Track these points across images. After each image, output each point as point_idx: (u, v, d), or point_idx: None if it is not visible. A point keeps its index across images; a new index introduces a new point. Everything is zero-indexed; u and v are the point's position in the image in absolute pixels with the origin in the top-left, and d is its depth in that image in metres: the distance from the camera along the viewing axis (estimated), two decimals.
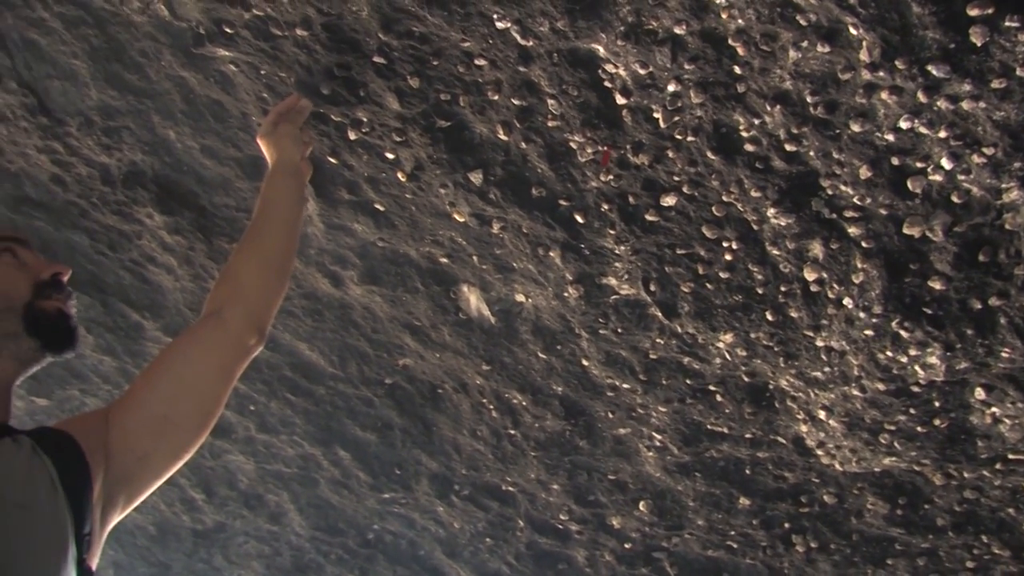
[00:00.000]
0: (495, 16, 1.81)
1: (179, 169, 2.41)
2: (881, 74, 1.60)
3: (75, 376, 3.23)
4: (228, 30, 2.03)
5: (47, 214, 2.62)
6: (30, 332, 1.56)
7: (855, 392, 2.23)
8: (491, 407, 2.83)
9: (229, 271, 1.90)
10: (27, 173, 2.52)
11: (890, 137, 1.69)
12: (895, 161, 1.73)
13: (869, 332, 2.05)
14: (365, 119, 2.12)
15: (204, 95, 2.21)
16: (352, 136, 2.16)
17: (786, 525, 2.80)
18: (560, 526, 3.21)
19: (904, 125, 1.66)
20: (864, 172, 1.76)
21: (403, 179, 2.23)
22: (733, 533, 2.91)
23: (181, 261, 2.67)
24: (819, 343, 2.16)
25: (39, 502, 1.39)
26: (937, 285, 1.88)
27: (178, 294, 2.79)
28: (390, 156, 2.19)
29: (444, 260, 2.42)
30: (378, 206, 2.33)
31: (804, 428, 2.43)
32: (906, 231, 1.82)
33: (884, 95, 1.63)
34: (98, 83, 2.25)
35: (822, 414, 2.35)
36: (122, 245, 2.67)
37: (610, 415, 2.67)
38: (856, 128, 1.70)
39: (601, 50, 1.81)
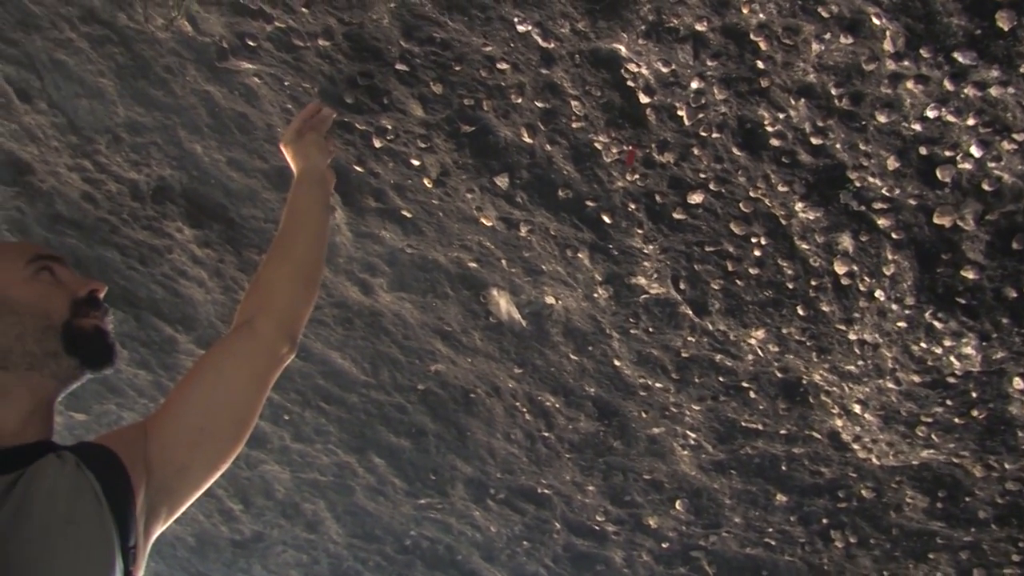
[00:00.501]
0: (516, 19, 1.81)
1: (207, 182, 2.44)
2: (906, 63, 1.59)
3: (111, 391, 3.26)
4: (251, 43, 2.05)
5: (79, 231, 2.65)
6: (69, 351, 1.58)
7: (890, 385, 2.21)
8: (524, 410, 2.83)
9: (259, 281, 1.91)
10: (59, 191, 2.55)
11: (917, 127, 1.68)
12: (923, 151, 1.71)
13: (902, 324, 2.04)
14: (390, 127, 2.13)
15: (229, 108, 2.23)
16: (377, 144, 2.17)
17: (824, 521, 2.78)
18: (596, 527, 3.21)
19: (931, 114, 1.64)
20: (892, 163, 1.75)
21: (429, 185, 2.23)
22: (771, 530, 2.90)
23: (211, 274, 2.69)
24: (852, 336, 2.14)
25: (86, 517, 1.41)
26: (970, 274, 1.86)
27: (209, 306, 2.81)
28: (416, 163, 2.19)
29: (473, 265, 2.43)
30: (405, 213, 2.34)
31: (839, 423, 2.41)
32: (936, 221, 1.81)
33: (910, 84, 1.62)
34: (125, 100, 2.28)
35: (857, 408, 2.33)
36: (153, 259, 2.70)
37: (643, 415, 2.67)
38: (882, 119, 1.69)
39: (623, 50, 1.81)
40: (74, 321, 1.60)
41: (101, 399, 3.32)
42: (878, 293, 2.00)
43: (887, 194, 1.82)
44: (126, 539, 1.46)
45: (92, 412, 3.40)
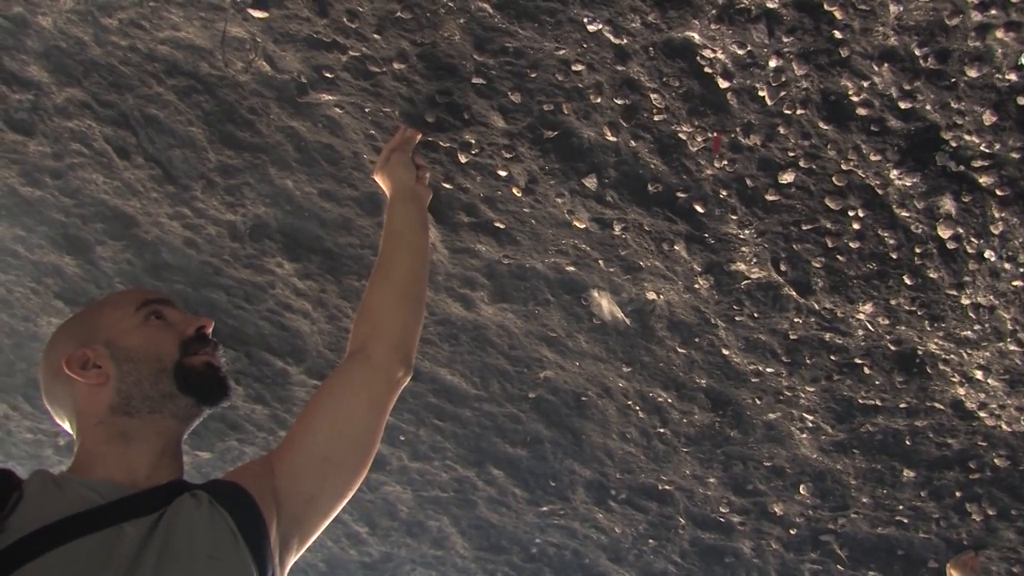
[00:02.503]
0: (585, 20, 1.82)
1: (301, 216, 2.50)
2: (993, 12, 1.54)
3: (231, 427, 3.36)
4: (328, 75, 2.10)
5: (185, 276, 2.74)
6: (183, 390, 1.63)
7: (1012, 347, 2.14)
8: (637, 408, 2.82)
9: (366, 308, 1.94)
10: (162, 240, 2.64)
11: (1012, 77, 1.63)
12: (1021, 101, 1.66)
13: (1018, 283, 1.97)
14: (473, 140, 2.15)
15: (315, 141, 2.28)
16: (463, 159, 2.19)
17: (958, 494, 2.69)
18: (722, 519, 3.17)
19: None
20: (988, 118, 1.70)
21: (519, 194, 2.25)
22: (902, 508, 2.82)
23: (315, 304, 2.75)
24: (964, 301, 2.08)
25: (226, 553, 1.45)
26: None
27: (316, 336, 2.88)
28: (503, 173, 2.21)
29: (570, 268, 2.43)
30: (498, 224, 2.36)
31: (962, 391, 2.34)
32: None
33: (999, 34, 1.57)
34: (215, 145, 2.35)
35: (979, 374, 2.26)
36: (257, 296, 2.77)
37: (758, 401, 2.63)
38: (973, 73, 1.64)
39: (696, 37, 1.79)
40: (184, 360, 1.65)
41: (223, 436, 3.42)
42: (988, 254, 1.94)
43: (986, 150, 1.76)
44: (264, 572, 1.51)
45: (216, 450, 3.50)
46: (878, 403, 2.48)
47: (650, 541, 3.40)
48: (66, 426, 1.66)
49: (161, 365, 1.63)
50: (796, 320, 2.31)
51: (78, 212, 2.63)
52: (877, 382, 2.40)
